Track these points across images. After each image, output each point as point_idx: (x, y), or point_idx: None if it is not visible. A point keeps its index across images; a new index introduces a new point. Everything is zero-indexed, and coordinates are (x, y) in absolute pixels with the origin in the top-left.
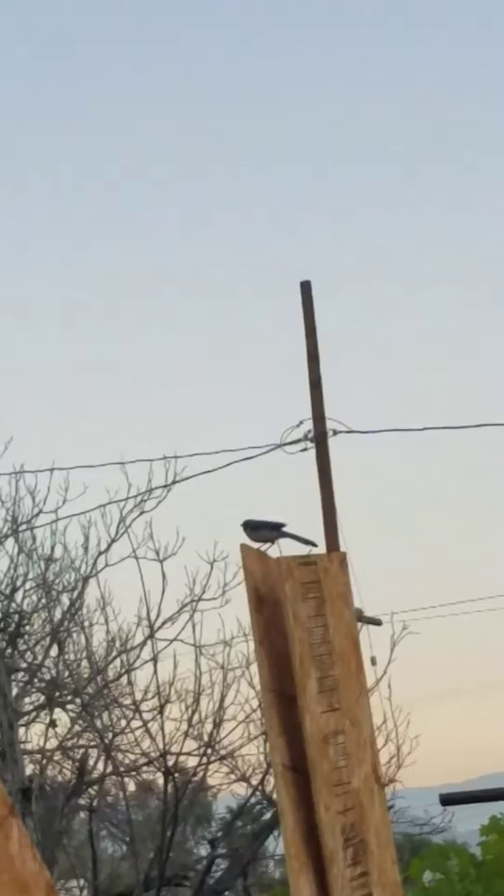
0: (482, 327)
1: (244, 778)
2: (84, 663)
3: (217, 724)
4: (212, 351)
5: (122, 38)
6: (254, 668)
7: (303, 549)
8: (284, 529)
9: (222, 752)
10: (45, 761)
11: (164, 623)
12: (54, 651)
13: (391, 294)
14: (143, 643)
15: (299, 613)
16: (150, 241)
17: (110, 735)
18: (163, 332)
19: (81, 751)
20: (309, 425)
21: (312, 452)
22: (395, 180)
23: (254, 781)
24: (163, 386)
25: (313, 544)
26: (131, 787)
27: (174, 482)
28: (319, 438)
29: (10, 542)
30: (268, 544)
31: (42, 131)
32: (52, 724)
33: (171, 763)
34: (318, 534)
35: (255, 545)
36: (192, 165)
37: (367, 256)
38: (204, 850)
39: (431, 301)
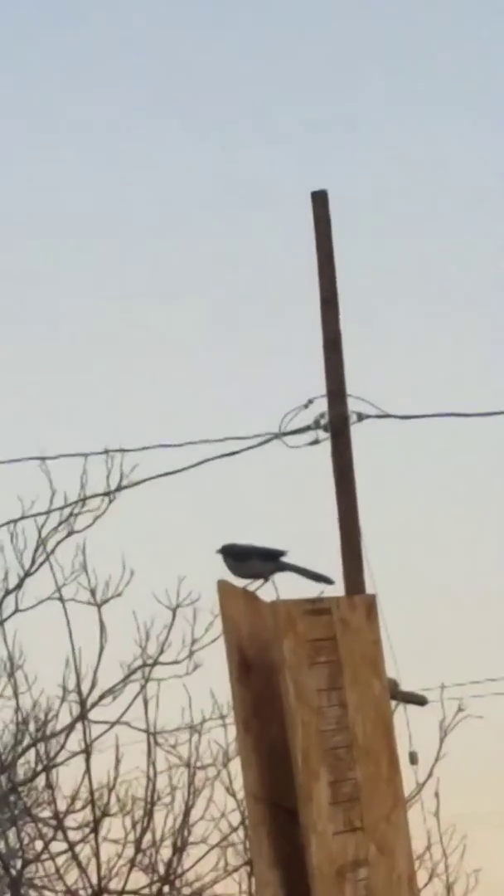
0: None
1: None
2: None
3: (179, 850)
4: (173, 299)
5: None
6: (235, 765)
7: (312, 590)
8: (283, 560)
9: (186, 892)
10: None
11: (101, 697)
12: None
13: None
14: (71, 727)
15: (305, 685)
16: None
17: (19, 863)
18: (97, 276)
19: None
20: (322, 406)
21: (326, 446)
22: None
23: None
24: (104, 349)
25: (328, 581)
26: None
27: (120, 488)
28: (338, 426)
29: None
30: (259, 581)
31: None
32: None
33: None
34: (333, 566)
35: (241, 582)
36: None
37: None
38: None
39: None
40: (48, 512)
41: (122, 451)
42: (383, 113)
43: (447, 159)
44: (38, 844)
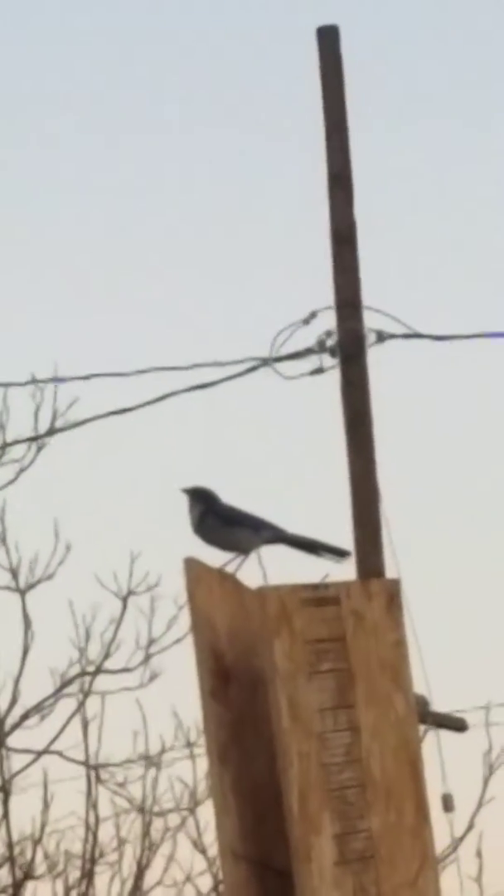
0: None
1: None
2: None
3: None
4: (132, 178)
5: None
6: (207, 811)
7: (313, 572)
8: (272, 527)
9: None
10: None
11: (24, 717)
12: None
13: None
14: None
15: (303, 703)
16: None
17: None
18: (29, 141)
19: None
20: (328, 322)
21: (334, 376)
22: None
23: None
24: (33, 244)
25: (343, 553)
26: None
27: (53, 431)
28: (350, 349)
29: None
30: (240, 557)
31: None
32: None
33: None
34: (343, 539)
35: (217, 559)
36: None
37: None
38: None
39: None
40: None
41: (57, 380)
42: None
43: None
44: None
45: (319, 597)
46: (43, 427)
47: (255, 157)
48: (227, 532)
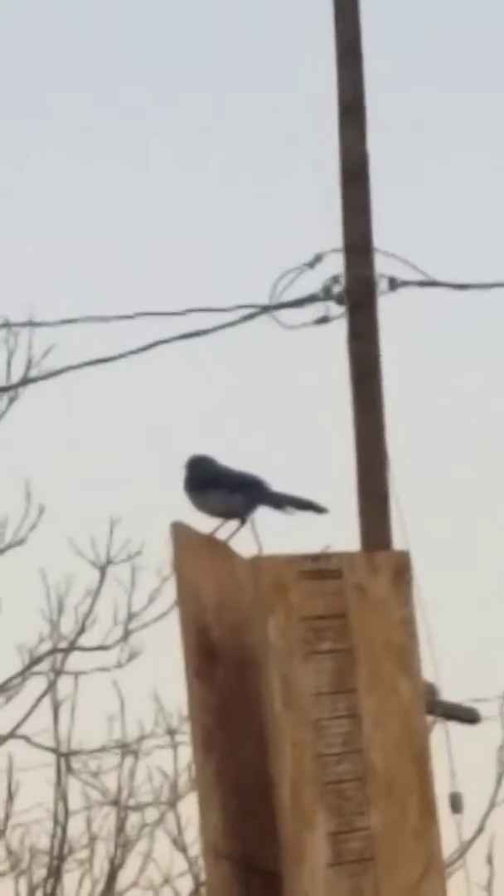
0: None
1: None
2: None
3: None
4: (114, 106)
5: None
6: (187, 805)
7: (313, 541)
8: (265, 489)
9: None
10: None
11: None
12: None
13: None
14: None
15: (298, 686)
16: None
17: None
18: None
19: None
20: (335, 266)
21: (341, 326)
22: None
23: None
24: (8, 179)
25: (320, 509)
26: None
27: (27, 380)
28: (359, 296)
29: None
30: (233, 523)
31: None
32: None
33: None
34: (346, 506)
35: (208, 524)
36: None
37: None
38: None
39: None
40: None
41: (32, 324)
42: None
43: None
44: None
45: (319, 569)
46: (16, 376)
47: (259, 84)
48: (201, 496)
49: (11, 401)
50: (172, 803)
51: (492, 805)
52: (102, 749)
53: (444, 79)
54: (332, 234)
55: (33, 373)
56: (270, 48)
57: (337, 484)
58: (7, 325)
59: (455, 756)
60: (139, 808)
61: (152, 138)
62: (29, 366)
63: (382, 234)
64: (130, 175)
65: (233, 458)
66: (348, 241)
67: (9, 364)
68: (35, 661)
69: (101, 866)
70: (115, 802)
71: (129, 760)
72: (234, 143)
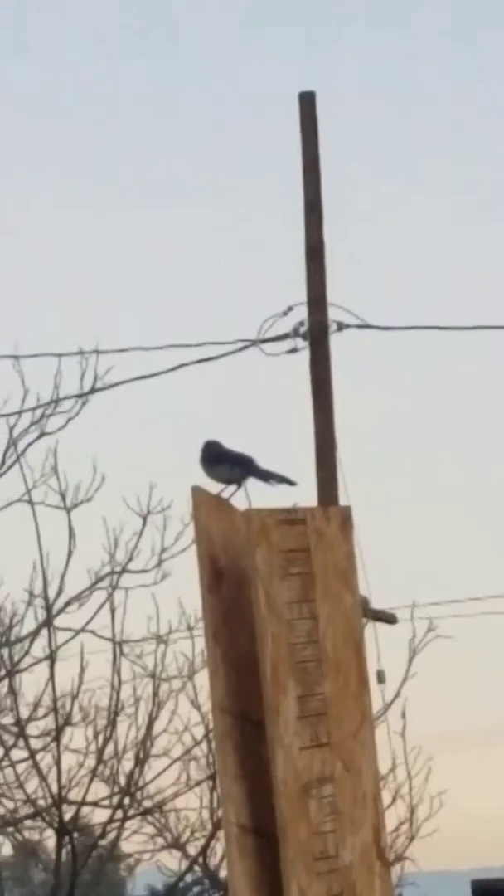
0: None
1: (177, 844)
2: None
3: (141, 762)
4: (155, 202)
5: None
6: (202, 677)
7: (287, 500)
8: (255, 466)
9: (146, 804)
10: None
11: (67, 604)
12: None
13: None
14: (36, 633)
15: (276, 597)
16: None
17: None
18: (76, 174)
19: None
20: (301, 314)
21: (305, 355)
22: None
23: (192, 850)
24: (82, 248)
25: (290, 482)
26: (6, 849)
27: (94, 390)
28: (317, 334)
29: None
30: (232, 487)
31: None
32: None
33: (68, 816)
34: (308, 476)
35: (215, 487)
36: None
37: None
38: None
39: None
40: (20, 412)
41: (98, 352)
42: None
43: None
44: None
45: (290, 518)
46: (87, 387)
47: (247, 191)
48: (211, 468)
49: (84, 404)
50: (191, 676)
51: (405, 678)
52: (143, 639)
53: (382, 181)
54: (299, 292)
55: (98, 385)
56: (254, 170)
57: (301, 462)
58: (81, 353)
59: (381, 644)
60: (168, 679)
61: (184, 232)
62: (95, 380)
63: (334, 292)
64: (167, 256)
65: (233, 443)
66: (310, 297)
67: (81, 379)
68: (99, 579)
69: (142, 719)
70: (152, 675)
71: (161, 647)
72: (233, 233)
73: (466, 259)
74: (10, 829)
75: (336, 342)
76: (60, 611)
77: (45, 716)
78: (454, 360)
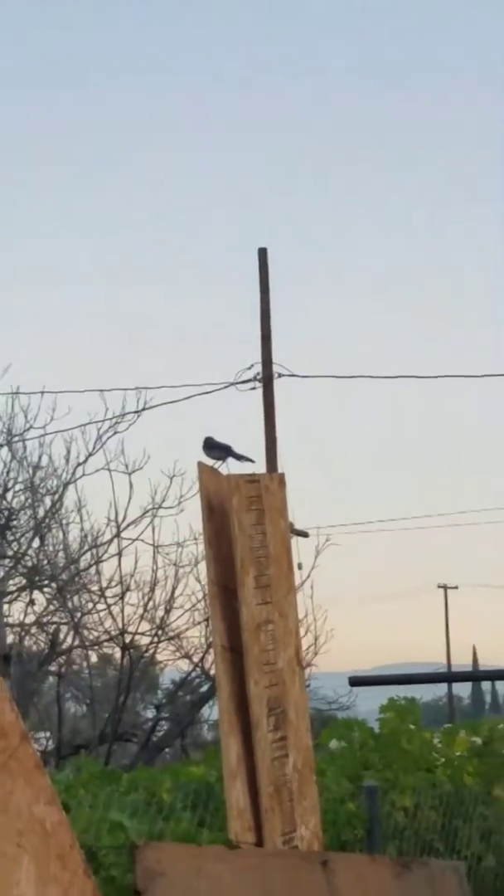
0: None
1: (187, 656)
2: (60, 554)
3: (167, 611)
4: (180, 307)
5: None
6: (202, 566)
7: (248, 470)
8: (232, 450)
9: (170, 634)
10: (23, 633)
11: (128, 525)
12: (36, 543)
13: (339, 265)
14: (111, 541)
15: (243, 522)
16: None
17: (79, 615)
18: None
19: (54, 626)
20: (258, 368)
21: (259, 392)
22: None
23: (195, 659)
24: (138, 333)
25: (251, 460)
26: (93, 658)
27: (144, 409)
28: (266, 380)
29: (3, 451)
30: (220, 462)
31: None
32: (31, 602)
33: (127, 640)
34: (260, 459)
35: (210, 462)
36: None
37: (321, 230)
38: (150, 714)
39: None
40: (103, 420)
41: (146, 388)
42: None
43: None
44: (90, 605)
45: (251, 479)
46: (140, 406)
47: (220, 318)
48: (209, 451)
49: (138, 416)
50: (195, 565)
51: (312, 567)
52: (170, 544)
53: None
54: (256, 355)
55: (147, 405)
56: (235, 294)
57: (257, 451)
58: (137, 388)
59: (300, 548)
60: (183, 566)
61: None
62: (145, 403)
63: (278, 355)
64: (188, 347)
65: (220, 438)
66: (263, 358)
67: (137, 402)
68: (145, 512)
69: (169, 587)
70: (174, 563)
71: (180, 549)
72: (223, 334)
73: (370, 331)
74: (96, 647)
75: (277, 385)
76: (124, 529)
77: (115, 586)
78: (350, 395)
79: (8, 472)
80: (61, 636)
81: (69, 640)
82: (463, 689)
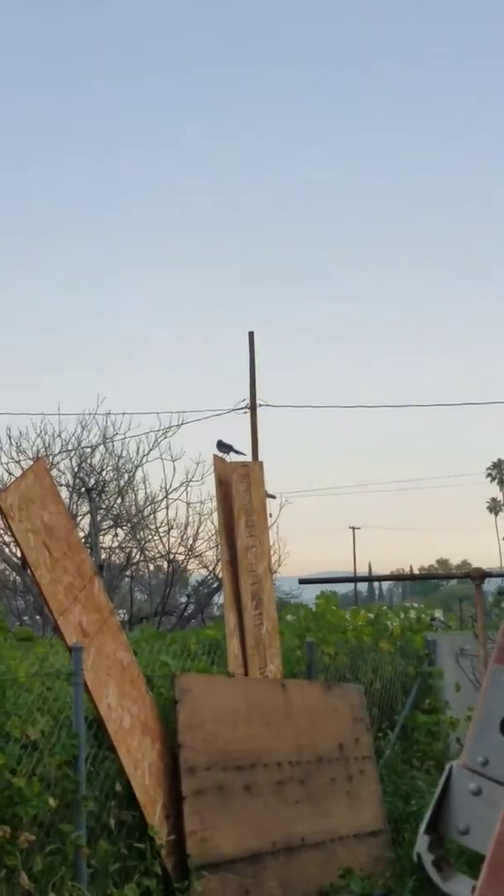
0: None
1: (206, 566)
2: (133, 507)
3: (194, 540)
4: (203, 365)
5: None
6: (214, 515)
7: (242, 458)
8: (233, 448)
9: (196, 554)
10: (110, 553)
11: (172, 490)
12: (119, 501)
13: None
14: (162, 500)
15: (239, 489)
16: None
17: (143, 542)
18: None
19: (128, 549)
20: (248, 401)
21: (248, 417)
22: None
23: (210, 568)
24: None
25: (243, 454)
26: (151, 567)
27: (181, 424)
28: (252, 408)
29: (101, 448)
30: (226, 455)
31: None
32: (115, 535)
33: (171, 557)
34: (249, 453)
35: (220, 454)
36: None
37: (304, 315)
38: (183, 600)
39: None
40: (158, 430)
41: (182, 412)
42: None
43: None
44: (150, 536)
45: (244, 464)
46: (176, 422)
47: (218, 384)
48: (219, 448)
49: (179, 427)
50: (211, 514)
51: (278, 516)
52: (198, 502)
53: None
54: (246, 391)
55: (180, 422)
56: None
57: (248, 449)
58: (180, 412)
59: (271, 505)
60: (204, 513)
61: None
62: (181, 420)
63: (262, 393)
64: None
65: (226, 441)
66: (251, 395)
67: (178, 419)
68: (181, 483)
69: (196, 525)
70: (199, 513)
71: (205, 504)
72: (224, 380)
73: (343, 366)
74: (153, 561)
75: (260, 412)
76: (171, 492)
77: (164, 525)
78: (316, 419)
79: (103, 460)
80: (133, 554)
81: (137, 556)
82: (362, 587)
